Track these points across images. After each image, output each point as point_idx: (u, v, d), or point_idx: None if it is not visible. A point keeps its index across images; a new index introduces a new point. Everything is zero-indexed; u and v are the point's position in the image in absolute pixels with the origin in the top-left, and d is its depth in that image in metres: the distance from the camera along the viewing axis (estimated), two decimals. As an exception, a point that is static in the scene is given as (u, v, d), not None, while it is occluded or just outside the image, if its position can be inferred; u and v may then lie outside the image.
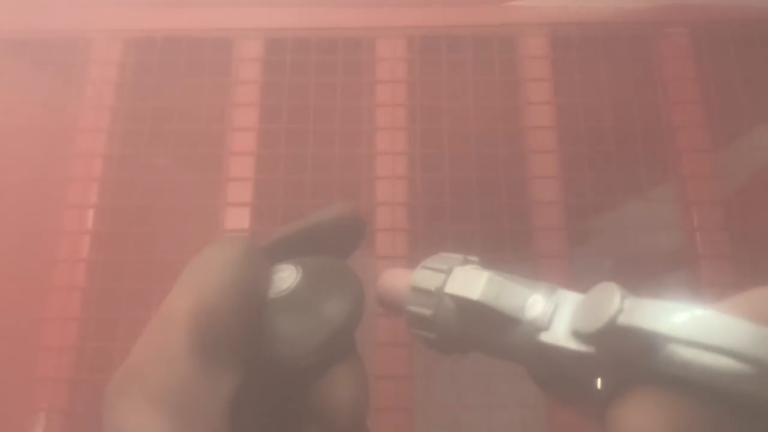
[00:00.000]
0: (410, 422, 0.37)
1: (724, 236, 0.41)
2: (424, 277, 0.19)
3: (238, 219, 0.42)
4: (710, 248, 0.40)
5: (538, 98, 0.44)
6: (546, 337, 0.16)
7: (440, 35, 0.47)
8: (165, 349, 0.17)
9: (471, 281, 0.18)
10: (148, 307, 0.39)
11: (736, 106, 0.44)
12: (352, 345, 0.22)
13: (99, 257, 0.42)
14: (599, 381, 0.16)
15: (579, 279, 0.40)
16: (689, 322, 0.14)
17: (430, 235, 0.41)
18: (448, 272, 0.19)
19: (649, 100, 0.45)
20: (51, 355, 0.39)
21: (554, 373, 0.18)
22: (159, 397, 0.16)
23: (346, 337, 0.21)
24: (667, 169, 0.43)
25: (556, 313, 0.17)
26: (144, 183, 0.44)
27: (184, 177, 0.44)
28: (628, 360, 0.15)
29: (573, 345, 0.16)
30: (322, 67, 0.46)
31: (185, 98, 0.46)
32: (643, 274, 0.41)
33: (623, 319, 0.15)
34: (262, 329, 0.20)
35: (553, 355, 0.16)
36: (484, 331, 0.18)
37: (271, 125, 0.45)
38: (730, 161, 0.43)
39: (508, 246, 0.41)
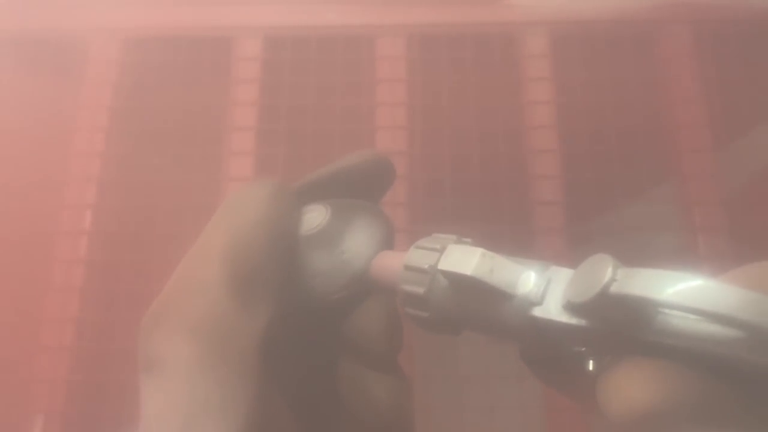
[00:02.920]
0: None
1: (725, 236, 0.40)
2: (418, 256, 0.19)
3: (238, 219, 0.42)
4: (712, 248, 0.40)
5: (539, 97, 0.44)
6: (538, 312, 0.16)
7: (440, 34, 0.46)
8: (200, 282, 0.17)
9: (464, 257, 0.18)
10: (146, 307, 0.39)
11: (737, 105, 0.44)
12: None
13: (97, 257, 0.42)
14: (591, 361, 0.16)
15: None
16: (682, 289, 0.14)
17: (430, 234, 0.41)
18: (441, 250, 0.19)
19: (651, 99, 0.45)
20: (49, 356, 0.39)
21: (547, 354, 0.18)
22: (194, 328, 0.16)
23: None
24: (669, 168, 0.43)
25: (549, 288, 0.17)
26: (142, 183, 0.44)
27: (183, 177, 0.44)
28: (620, 331, 0.15)
29: (565, 318, 0.16)
30: (321, 65, 0.46)
31: (184, 97, 0.45)
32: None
33: (616, 288, 0.14)
34: (294, 265, 0.20)
35: (545, 329, 0.16)
36: (477, 307, 0.18)
37: (270, 124, 0.44)
38: (731, 161, 0.43)
39: (509, 245, 0.41)
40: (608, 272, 0.15)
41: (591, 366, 0.16)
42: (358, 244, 0.21)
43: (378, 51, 0.46)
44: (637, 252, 0.42)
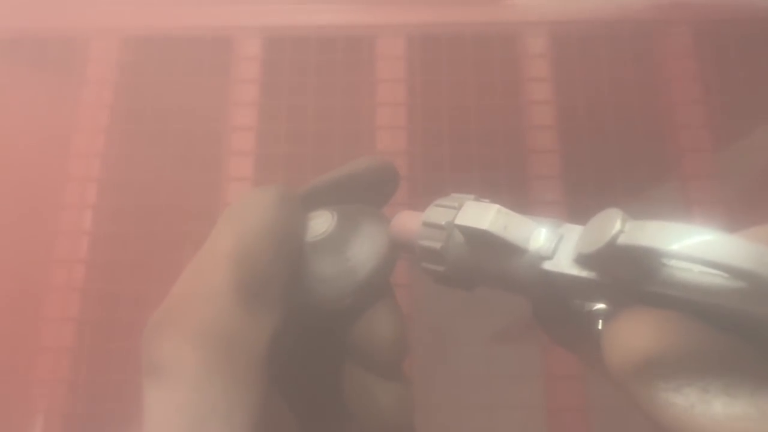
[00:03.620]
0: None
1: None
2: (436, 213, 0.19)
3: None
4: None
5: (539, 97, 0.44)
6: (549, 266, 0.17)
7: (440, 34, 0.46)
8: (206, 288, 0.17)
9: (480, 213, 0.18)
10: (146, 307, 0.39)
11: (737, 105, 0.44)
12: (388, 286, 0.22)
13: (97, 258, 0.42)
14: (600, 320, 0.16)
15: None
16: (688, 240, 0.14)
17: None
18: (458, 208, 0.19)
19: (651, 99, 0.45)
20: (49, 356, 0.39)
21: (557, 311, 0.18)
22: (200, 334, 0.16)
23: (382, 278, 0.21)
24: (669, 169, 0.43)
25: (561, 243, 0.17)
26: (143, 183, 0.44)
27: (183, 177, 0.44)
28: (627, 282, 0.15)
29: (575, 271, 0.16)
30: (321, 65, 0.46)
31: (184, 97, 0.45)
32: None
33: (623, 239, 0.15)
34: (300, 272, 0.20)
35: (556, 283, 0.17)
36: (491, 261, 0.18)
37: (270, 124, 0.44)
38: (731, 161, 0.43)
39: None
40: (617, 224, 0.15)
41: (600, 325, 0.16)
42: (363, 251, 0.21)
43: (378, 51, 0.46)
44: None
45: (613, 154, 0.43)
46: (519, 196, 0.42)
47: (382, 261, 0.21)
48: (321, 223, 0.21)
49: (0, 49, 0.47)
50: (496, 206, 0.18)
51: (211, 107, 0.45)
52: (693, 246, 0.14)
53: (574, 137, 0.43)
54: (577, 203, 0.42)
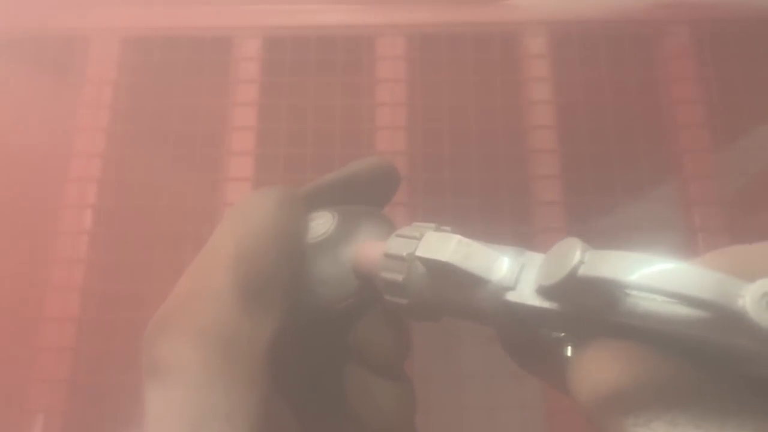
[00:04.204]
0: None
1: (725, 237, 0.40)
2: (397, 244, 0.19)
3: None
4: (712, 248, 0.40)
5: (539, 97, 0.44)
6: (512, 296, 0.17)
7: (440, 34, 0.46)
8: (207, 288, 0.17)
9: (440, 244, 0.18)
10: (146, 307, 0.39)
11: (738, 105, 0.44)
12: None
13: (97, 257, 0.42)
14: (568, 347, 0.16)
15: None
16: (648, 271, 0.14)
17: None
18: (419, 238, 0.19)
19: (651, 99, 0.45)
20: (49, 356, 0.39)
21: (523, 338, 0.18)
22: (202, 335, 0.16)
23: None
24: (669, 169, 0.43)
25: (523, 272, 0.17)
26: (142, 183, 0.44)
27: (183, 177, 0.44)
28: (589, 313, 0.15)
29: (537, 302, 0.16)
30: (321, 66, 0.46)
31: (184, 97, 0.45)
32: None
33: (584, 271, 0.14)
34: (302, 273, 0.20)
35: (519, 313, 0.17)
36: (454, 293, 0.18)
37: (270, 125, 0.44)
38: (732, 161, 0.43)
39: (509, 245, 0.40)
40: (576, 255, 0.15)
41: (569, 352, 0.16)
42: None
43: (378, 51, 0.46)
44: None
45: (613, 154, 0.43)
46: (519, 196, 0.42)
47: None
48: (322, 224, 0.21)
49: (0, 49, 0.47)
50: (457, 237, 0.18)
51: (211, 107, 0.45)
52: (654, 277, 0.13)
53: (574, 137, 0.43)
54: (577, 203, 0.42)
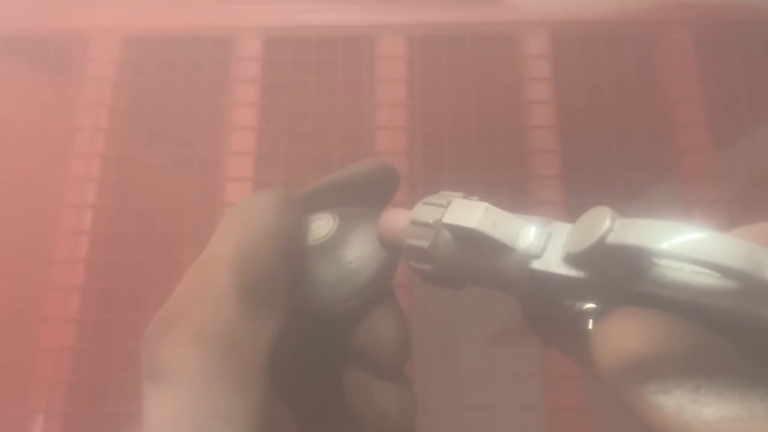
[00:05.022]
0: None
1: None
2: (424, 211, 0.19)
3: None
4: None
5: (539, 97, 0.44)
6: (538, 265, 0.16)
7: (440, 34, 0.46)
8: (208, 291, 0.17)
9: (468, 211, 0.18)
10: (146, 307, 0.39)
11: (738, 105, 0.44)
12: (390, 289, 0.22)
13: (97, 257, 0.42)
14: (590, 320, 0.16)
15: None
16: (678, 239, 0.13)
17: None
18: (446, 206, 0.19)
19: (651, 99, 0.45)
20: (49, 356, 0.39)
21: (547, 310, 0.18)
22: (202, 337, 0.16)
23: (383, 281, 0.21)
24: (669, 168, 0.43)
25: (550, 241, 0.17)
26: (142, 182, 0.44)
27: (183, 177, 0.44)
28: (617, 282, 0.15)
29: (564, 270, 0.16)
30: (321, 65, 0.46)
31: (184, 97, 0.45)
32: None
33: (612, 238, 0.14)
34: (302, 275, 0.20)
35: (545, 282, 0.16)
36: (480, 260, 0.18)
37: (270, 124, 0.44)
38: (732, 161, 0.43)
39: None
40: (606, 223, 0.15)
41: (590, 324, 0.16)
42: (365, 253, 0.21)
43: (378, 51, 0.46)
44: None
45: (613, 154, 0.43)
46: (519, 196, 0.42)
47: (383, 263, 0.21)
48: (322, 226, 0.21)
49: (0, 49, 0.47)
50: (485, 204, 0.18)
51: (211, 107, 0.45)
52: (683, 245, 0.13)
53: (574, 137, 0.43)
54: (577, 203, 0.42)
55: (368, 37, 0.46)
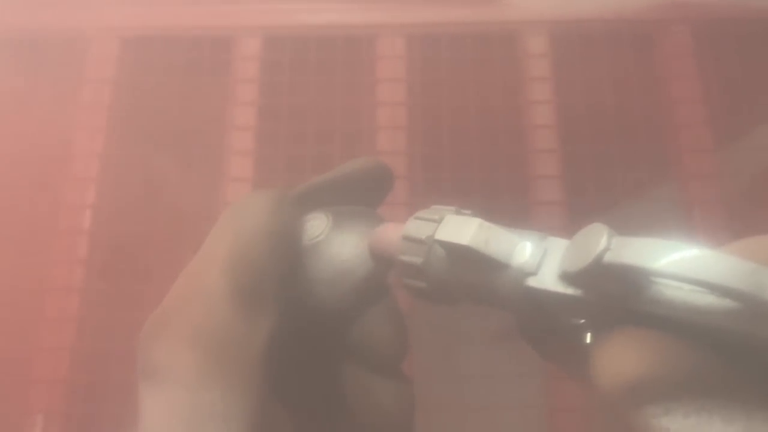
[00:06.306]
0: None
1: (726, 236, 0.40)
2: (416, 226, 0.19)
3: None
4: (712, 248, 0.40)
5: (539, 97, 0.44)
6: (533, 282, 0.16)
7: (440, 33, 0.46)
8: (202, 291, 0.17)
9: (461, 228, 0.18)
10: (146, 307, 0.39)
11: (738, 104, 0.44)
12: (386, 287, 0.22)
13: (97, 258, 0.42)
14: (588, 335, 0.16)
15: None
16: (676, 258, 0.13)
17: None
18: (439, 221, 0.18)
19: (651, 98, 0.45)
20: (48, 356, 0.39)
21: (544, 326, 0.17)
22: (197, 337, 0.16)
23: (379, 278, 0.21)
24: (669, 168, 0.43)
25: (545, 258, 0.16)
26: (142, 182, 0.44)
27: (183, 176, 0.44)
28: (614, 301, 0.15)
29: (560, 288, 0.16)
30: (321, 65, 0.46)
31: (184, 97, 0.45)
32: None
33: (610, 257, 0.14)
34: (297, 275, 0.20)
35: (541, 300, 0.16)
36: (474, 277, 0.17)
37: (270, 124, 0.44)
38: (732, 160, 0.43)
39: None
40: (602, 241, 0.14)
41: (588, 340, 0.15)
42: (360, 252, 0.21)
43: (378, 51, 0.46)
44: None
45: (613, 154, 0.43)
46: (519, 196, 0.42)
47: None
48: (317, 225, 0.21)
49: (0, 49, 0.47)
50: (478, 220, 0.18)
51: (211, 107, 0.45)
52: (682, 264, 0.13)
53: (574, 137, 0.43)
54: (578, 203, 0.42)
55: (368, 37, 0.46)
